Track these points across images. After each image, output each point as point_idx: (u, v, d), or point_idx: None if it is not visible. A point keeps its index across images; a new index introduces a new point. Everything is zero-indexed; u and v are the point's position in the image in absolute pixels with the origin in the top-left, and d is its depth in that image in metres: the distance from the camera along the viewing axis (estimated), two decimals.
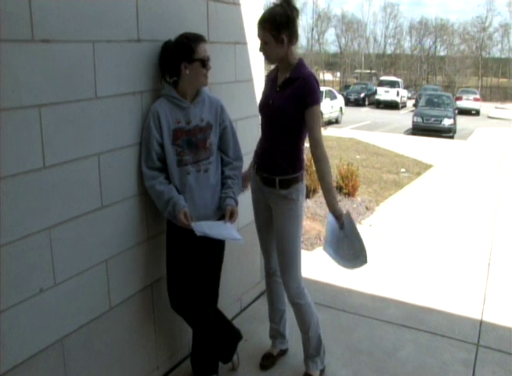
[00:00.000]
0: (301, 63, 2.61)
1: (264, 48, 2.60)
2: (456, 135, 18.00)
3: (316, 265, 4.43)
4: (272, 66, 2.80)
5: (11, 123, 1.84)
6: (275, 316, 3.03)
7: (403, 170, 9.45)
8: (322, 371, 2.88)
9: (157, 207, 2.53)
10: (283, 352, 3.09)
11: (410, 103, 33.43)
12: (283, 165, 2.62)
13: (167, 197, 2.39)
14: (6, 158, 1.84)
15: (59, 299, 2.12)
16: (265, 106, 2.68)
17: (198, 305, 2.62)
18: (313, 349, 2.84)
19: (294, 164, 2.64)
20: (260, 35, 2.57)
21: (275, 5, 2.54)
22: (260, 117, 2.79)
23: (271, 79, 2.73)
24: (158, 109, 2.42)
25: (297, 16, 2.56)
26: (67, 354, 2.19)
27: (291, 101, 2.54)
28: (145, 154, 2.43)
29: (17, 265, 1.92)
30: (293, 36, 2.55)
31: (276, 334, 3.06)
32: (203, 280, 2.65)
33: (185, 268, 2.56)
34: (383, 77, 36.72)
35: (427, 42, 63.03)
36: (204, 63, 2.43)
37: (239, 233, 2.61)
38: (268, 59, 2.66)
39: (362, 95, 31.52)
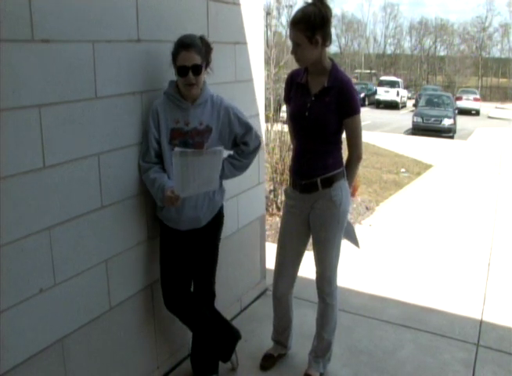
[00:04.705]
0: (335, 68, 2.51)
1: (296, 50, 2.44)
2: (455, 135, 18.01)
3: None
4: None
5: (11, 123, 1.84)
6: (280, 328, 3.02)
7: (403, 170, 9.45)
8: (321, 375, 2.87)
9: (156, 206, 2.53)
10: (284, 354, 3.09)
11: (410, 103, 33.42)
12: (323, 163, 2.56)
13: (158, 184, 2.37)
14: (6, 158, 1.84)
15: (59, 299, 2.12)
16: (300, 118, 2.58)
17: (192, 305, 2.62)
18: (320, 351, 2.84)
19: (334, 160, 2.58)
20: (292, 37, 2.42)
21: (308, 4, 2.40)
22: (291, 124, 2.72)
23: (299, 83, 2.60)
24: (158, 106, 2.41)
25: (331, 15, 2.42)
26: (67, 354, 2.19)
27: (330, 111, 2.47)
28: (143, 149, 2.43)
29: (17, 265, 1.92)
30: (327, 37, 2.42)
31: (278, 341, 3.06)
32: (196, 280, 2.65)
33: (178, 267, 2.56)
34: (383, 77, 36.71)
35: (427, 42, 63.10)
36: (181, 71, 2.33)
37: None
38: (301, 62, 2.51)
39: (362, 95, 31.44)
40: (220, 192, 2.62)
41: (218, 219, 2.64)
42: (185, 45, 2.32)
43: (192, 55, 2.31)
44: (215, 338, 2.72)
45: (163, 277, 2.57)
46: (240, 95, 3.25)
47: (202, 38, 2.41)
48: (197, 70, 2.34)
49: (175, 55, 2.35)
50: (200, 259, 2.63)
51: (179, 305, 2.59)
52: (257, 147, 2.66)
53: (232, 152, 2.64)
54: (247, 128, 2.59)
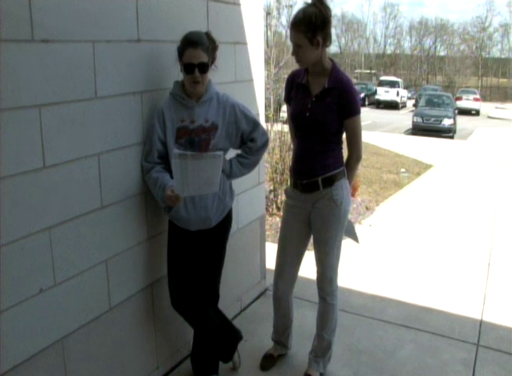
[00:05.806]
0: (336, 68, 2.51)
1: (297, 51, 2.44)
2: (455, 135, 18.02)
3: None
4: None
5: (11, 123, 1.84)
6: (280, 328, 3.02)
7: (403, 170, 9.44)
8: (321, 375, 2.87)
9: (157, 207, 2.53)
10: (284, 354, 3.09)
11: (410, 103, 33.43)
12: (324, 162, 2.57)
13: (160, 183, 2.38)
14: (6, 158, 1.83)
15: (59, 299, 2.12)
16: (301, 118, 2.59)
17: (198, 305, 2.62)
18: (321, 350, 2.84)
19: (334, 159, 2.60)
20: (293, 38, 2.42)
21: (308, 5, 2.40)
22: (292, 124, 2.72)
23: (300, 84, 2.60)
24: (163, 107, 2.42)
25: (331, 15, 2.43)
26: (67, 354, 2.19)
27: (331, 112, 2.48)
28: (147, 150, 2.43)
29: (17, 265, 1.92)
30: (327, 38, 2.43)
31: (278, 341, 3.06)
32: (203, 280, 2.65)
33: (186, 267, 2.56)
34: (383, 77, 36.71)
35: (427, 42, 63.15)
36: (187, 69, 2.34)
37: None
38: (302, 63, 2.51)
39: (362, 95, 31.42)
40: (230, 194, 2.62)
41: (227, 221, 2.65)
42: (192, 42, 2.32)
43: (198, 52, 2.32)
44: (218, 338, 2.72)
45: (170, 277, 2.57)
46: (240, 95, 3.24)
47: (208, 35, 2.40)
48: (203, 68, 2.34)
49: (182, 52, 2.35)
50: (207, 260, 2.63)
51: (185, 304, 2.58)
52: (265, 144, 2.67)
53: (239, 151, 2.65)
54: (255, 125, 2.59)
